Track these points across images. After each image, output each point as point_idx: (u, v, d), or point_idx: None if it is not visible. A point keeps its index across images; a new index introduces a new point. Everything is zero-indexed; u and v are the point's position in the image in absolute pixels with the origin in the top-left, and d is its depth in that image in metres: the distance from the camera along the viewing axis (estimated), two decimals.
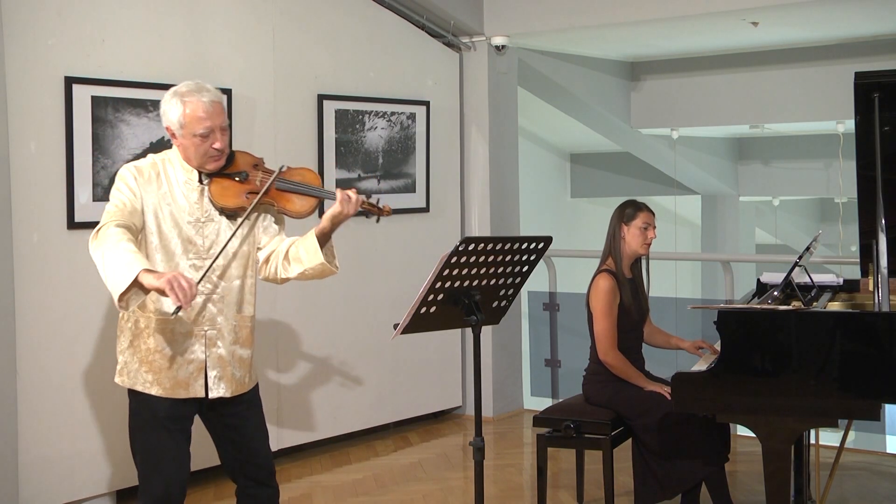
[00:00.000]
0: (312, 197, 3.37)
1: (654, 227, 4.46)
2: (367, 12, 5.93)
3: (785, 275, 4.10)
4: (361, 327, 5.92)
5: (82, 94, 4.58)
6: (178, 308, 3.01)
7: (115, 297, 3.00)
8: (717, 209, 11.31)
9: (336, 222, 3.32)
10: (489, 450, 5.13)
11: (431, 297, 3.26)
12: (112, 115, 4.68)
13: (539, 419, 4.45)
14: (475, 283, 3.34)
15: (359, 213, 3.41)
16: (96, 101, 4.62)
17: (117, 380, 3.36)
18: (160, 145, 4.84)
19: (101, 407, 4.72)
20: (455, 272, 3.25)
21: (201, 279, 3.23)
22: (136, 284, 2.97)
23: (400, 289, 5.91)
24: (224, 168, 3.35)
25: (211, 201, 3.33)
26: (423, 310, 3.28)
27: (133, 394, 3.35)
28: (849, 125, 8.49)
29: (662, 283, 7.52)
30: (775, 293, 4.06)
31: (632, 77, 8.67)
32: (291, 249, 3.39)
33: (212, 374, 3.33)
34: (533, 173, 9.87)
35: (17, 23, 4.38)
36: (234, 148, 3.52)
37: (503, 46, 6.56)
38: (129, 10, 4.78)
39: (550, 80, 7.60)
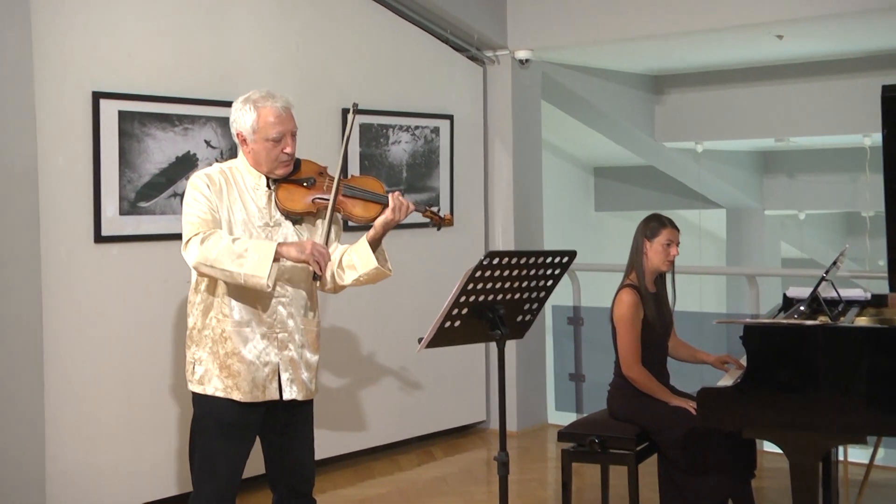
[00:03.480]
0: (376, 203, 3.48)
1: (678, 244, 4.44)
2: (391, 26, 5.96)
3: (811, 289, 4.08)
4: (385, 341, 5.93)
5: (109, 109, 4.63)
6: (318, 275, 3.32)
7: (263, 282, 3.22)
8: (743, 223, 11.25)
9: (387, 228, 3.45)
10: (513, 464, 5.12)
11: (456, 311, 3.27)
12: (138, 129, 4.72)
13: (564, 434, 4.44)
14: (499, 297, 3.35)
15: (420, 221, 3.54)
16: (123, 116, 4.67)
17: (197, 388, 3.42)
18: (186, 160, 4.87)
19: (128, 418, 4.75)
20: (479, 286, 3.26)
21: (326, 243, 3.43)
22: (275, 261, 3.25)
23: (424, 302, 5.92)
24: (291, 174, 3.46)
25: (278, 206, 3.43)
26: (448, 324, 3.29)
27: (201, 400, 3.42)
28: (875, 138, 8.43)
29: (687, 297, 7.48)
30: (802, 308, 4.03)
31: (656, 90, 8.66)
32: (345, 257, 3.50)
33: (284, 376, 3.43)
34: (557, 187, 9.86)
35: (46, 38, 4.43)
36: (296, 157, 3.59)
37: (527, 60, 6.57)
38: (154, 26, 4.83)
39: (574, 94, 7.60)
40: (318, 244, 3.29)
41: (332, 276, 3.51)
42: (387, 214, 3.42)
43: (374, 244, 3.45)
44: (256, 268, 3.20)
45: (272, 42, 5.33)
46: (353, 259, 3.47)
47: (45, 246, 4.45)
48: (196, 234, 3.27)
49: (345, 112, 5.62)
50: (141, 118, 4.74)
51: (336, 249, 3.53)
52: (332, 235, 3.54)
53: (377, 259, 3.43)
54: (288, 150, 3.39)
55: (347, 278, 3.49)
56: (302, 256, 3.25)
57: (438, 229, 3.66)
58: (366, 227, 3.54)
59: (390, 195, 3.45)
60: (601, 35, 6.33)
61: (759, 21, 5.89)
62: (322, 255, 3.27)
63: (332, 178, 3.46)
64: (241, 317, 3.37)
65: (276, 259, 3.24)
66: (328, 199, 3.41)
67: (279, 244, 3.26)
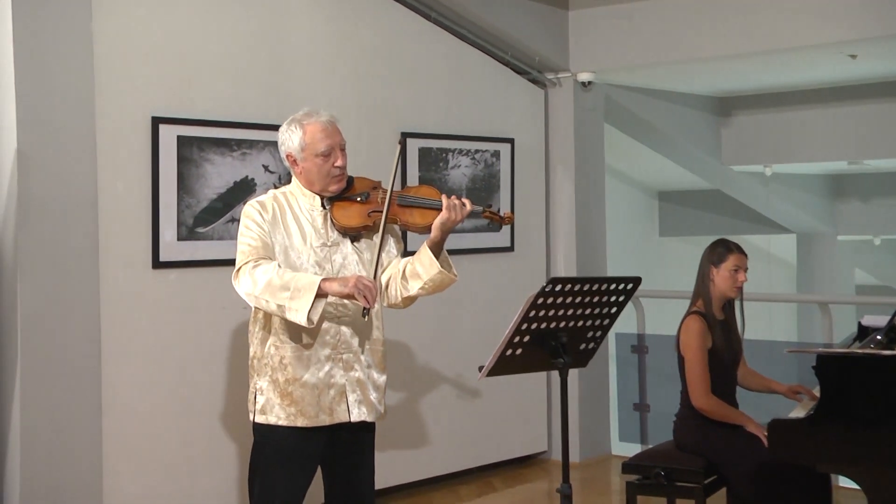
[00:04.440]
0: (433, 209, 3.44)
1: (746, 270, 4.37)
2: (451, 49, 5.98)
3: (889, 318, 3.98)
4: (445, 369, 5.91)
5: (168, 134, 4.69)
6: (367, 309, 3.24)
7: (303, 317, 3.19)
8: (814, 248, 11.07)
9: (445, 230, 3.39)
10: (576, 497, 5.05)
11: (517, 338, 3.26)
12: (197, 154, 4.79)
13: (628, 465, 4.38)
14: (562, 324, 3.33)
15: (476, 219, 3.50)
16: (182, 141, 4.73)
17: (259, 419, 3.43)
18: (244, 184, 4.92)
19: (187, 448, 4.78)
20: (541, 313, 3.24)
21: (375, 275, 3.38)
22: (319, 296, 3.20)
23: (484, 329, 5.89)
24: (344, 192, 3.47)
25: (334, 224, 3.44)
26: (509, 352, 3.28)
27: (262, 429, 3.44)
28: None
29: (756, 325, 7.36)
30: (878, 337, 3.93)
31: (722, 112, 8.57)
32: (408, 268, 3.48)
33: (352, 397, 3.43)
34: (620, 212, 9.79)
35: (108, 65, 4.52)
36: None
37: (589, 82, 6.55)
38: (213, 50, 4.89)
39: (638, 117, 7.56)
40: (363, 277, 3.25)
41: (396, 289, 3.50)
42: (442, 214, 3.37)
43: (436, 249, 3.41)
44: (298, 302, 3.19)
45: (331, 65, 5.37)
46: (416, 267, 3.45)
47: (103, 271, 4.51)
48: (246, 263, 3.30)
49: (404, 136, 5.64)
50: (199, 143, 4.80)
51: (398, 262, 3.53)
52: (394, 250, 3.56)
53: (440, 264, 3.40)
54: (339, 163, 3.42)
55: (413, 287, 3.46)
56: (345, 291, 3.21)
57: (499, 229, 3.65)
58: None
59: (443, 196, 3.42)
60: (666, 56, 6.29)
61: (831, 40, 5.80)
62: (367, 288, 3.20)
63: (385, 191, 3.46)
64: (302, 340, 3.37)
65: (322, 295, 3.22)
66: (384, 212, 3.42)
67: (323, 279, 3.23)
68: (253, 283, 3.25)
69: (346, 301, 3.40)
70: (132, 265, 4.62)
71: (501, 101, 6.26)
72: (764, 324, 9.04)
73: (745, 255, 4.39)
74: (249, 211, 3.40)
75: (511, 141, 6.25)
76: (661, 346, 6.35)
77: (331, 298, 3.30)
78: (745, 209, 10.25)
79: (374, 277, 3.39)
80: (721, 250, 4.37)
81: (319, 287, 3.20)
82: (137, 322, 4.64)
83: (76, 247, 4.40)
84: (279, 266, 3.30)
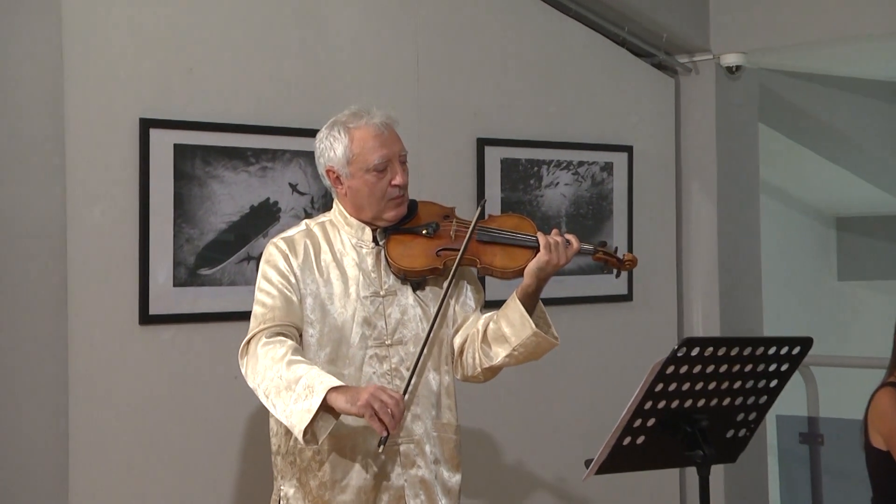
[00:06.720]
0: (524, 248, 3.45)
1: None
2: (546, 25, 5.99)
3: None
4: (539, 465, 5.89)
5: (162, 142, 4.75)
6: (385, 438, 3.17)
7: (299, 433, 3.15)
8: None
9: (542, 276, 3.39)
10: None
11: (638, 422, 3.25)
12: (201, 169, 4.83)
13: None
14: (701, 402, 3.31)
15: (584, 257, 3.53)
16: (180, 151, 4.79)
17: None
18: (264, 210, 4.96)
19: None
20: (672, 388, 3.23)
21: (407, 387, 3.34)
22: (324, 409, 3.13)
23: (593, 410, 5.86)
24: (404, 221, 3.49)
25: (391, 266, 3.45)
26: (627, 440, 3.27)
27: None
28: None
29: None
30: None
31: None
32: (490, 328, 3.47)
33: (414, 503, 3.43)
34: (782, 246, 9.71)
35: (81, 51, 4.58)
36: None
37: (738, 68, 6.52)
38: (224, 31, 4.95)
39: (806, 114, 7.52)
40: (383, 390, 3.17)
41: (475, 356, 3.49)
42: (539, 256, 3.38)
43: (529, 302, 3.41)
44: (296, 417, 3.16)
45: (383, 51, 5.40)
46: (501, 327, 3.44)
47: (73, 328, 4.56)
48: (256, 335, 3.31)
49: (481, 143, 5.64)
50: (204, 154, 4.85)
51: (476, 319, 3.53)
52: (471, 301, 3.58)
53: (535, 323, 3.38)
54: (398, 181, 3.44)
55: (497, 355, 3.46)
56: (353, 410, 3.13)
57: (617, 276, 3.63)
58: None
59: (540, 234, 3.43)
60: (844, 30, 6.23)
61: None
62: (384, 408, 3.11)
63: (462, 222, 3.48)
64: (342, 428, 3.36)
65: (330, 409, 3.17)
66: (459, 250, 3.41)
67: (330, 389, 3.15)
68: (253, 372, 3.28)
69: (403, 370, 3.41)
70: (112, 320, 4.67)
71: (616, 93, 6.26)
72: None
73: None
74: (271, 253, 3.42)
75: (629, 149, 6.23)
76: (841, 433, 6.28)
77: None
78: None
79: (426, 343, 3.39)
80: None
81: (326, 398, 3.15)
82: (118, 396, 4.68)
83: (37, 295, 4.46)
84: (293, 351, 3.27)
